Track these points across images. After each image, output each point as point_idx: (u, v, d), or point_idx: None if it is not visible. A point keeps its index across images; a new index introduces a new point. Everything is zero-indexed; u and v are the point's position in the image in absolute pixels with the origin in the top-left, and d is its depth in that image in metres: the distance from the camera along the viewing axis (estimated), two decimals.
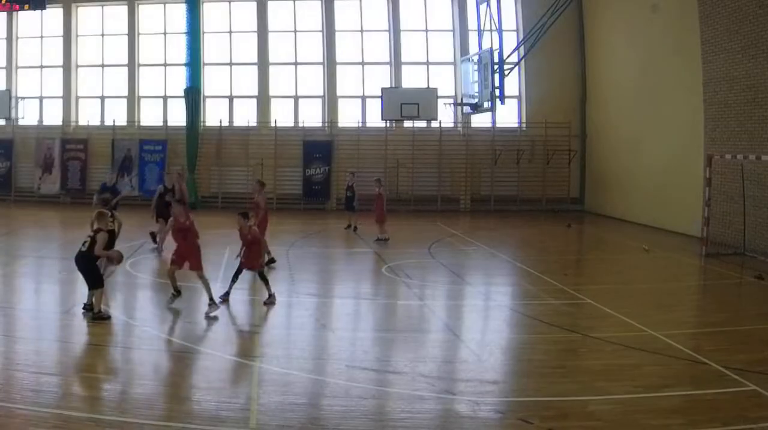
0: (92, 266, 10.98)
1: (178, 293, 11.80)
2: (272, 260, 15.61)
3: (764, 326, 11.40)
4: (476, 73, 26.60)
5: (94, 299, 10.95)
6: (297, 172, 28.98)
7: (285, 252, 18.05)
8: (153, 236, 17.52)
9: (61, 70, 30.13)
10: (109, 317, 10.78)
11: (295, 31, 29.90)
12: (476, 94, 26.64)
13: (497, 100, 25.10)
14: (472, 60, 27.11)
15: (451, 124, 29.15)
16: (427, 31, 29.78)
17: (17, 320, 11.14)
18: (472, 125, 29.36)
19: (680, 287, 15.16)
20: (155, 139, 29.33)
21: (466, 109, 27.92)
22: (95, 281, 10.94)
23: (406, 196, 28.69)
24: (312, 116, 29.81)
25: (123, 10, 29.98)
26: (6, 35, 30.33)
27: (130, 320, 11.34)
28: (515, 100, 29.18)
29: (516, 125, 29.68)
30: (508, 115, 29.26)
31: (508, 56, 25.34)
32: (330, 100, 29.61)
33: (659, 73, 23.16)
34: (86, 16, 30.47)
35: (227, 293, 12.19)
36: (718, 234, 18.31)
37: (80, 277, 13.40)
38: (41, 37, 30.35)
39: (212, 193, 29.24)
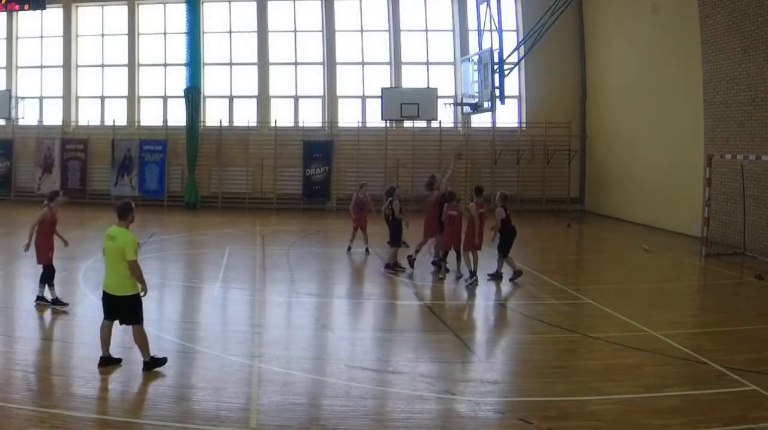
0: None
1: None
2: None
3: (764, 326, 11.41)
4: (476, 73, 26.60)
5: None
6: (297, 172, 28.97)
7: (285, 252, 18.08)
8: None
9: (61, 70, 30.14)
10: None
11: (295, 31, 29.90)
12: (476, 94, 26.64)
13: (497, 100, 25.09)
14: (472, 60, 27.10)
15: (451, 124, 29.14)
16: (427, 31, 29.77)
17: (17, 320, 11.14)
18: (472, 125, 29.35)
19: (680, 287, 15.17)
20: (155, 139, 29.33)
21: (466, 109, 27.91)
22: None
23: (406, 196, 28.64)
24: (312, 116, 29.82)
25: (123, 10, 29.99)
26: (6, 35, 30.34)
27: None
28: (515, 100, 29.18)
29: (516, 125, 29.67)
30: (508, 115, 29.27)
31: (508, 56, 25.33)
32: (330, 100, 29.60)
33: (659, 73, 23.16)
34: (86, 16, 30.47)
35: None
36: (718, 234, 18.31)
37: (80, 277, 13.43)
38: (41, 37, 30.36)
39: (212, 193, 29.25)
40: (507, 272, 14.77)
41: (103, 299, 8.83)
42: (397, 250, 15.72)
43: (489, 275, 14.57)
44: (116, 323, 8.82)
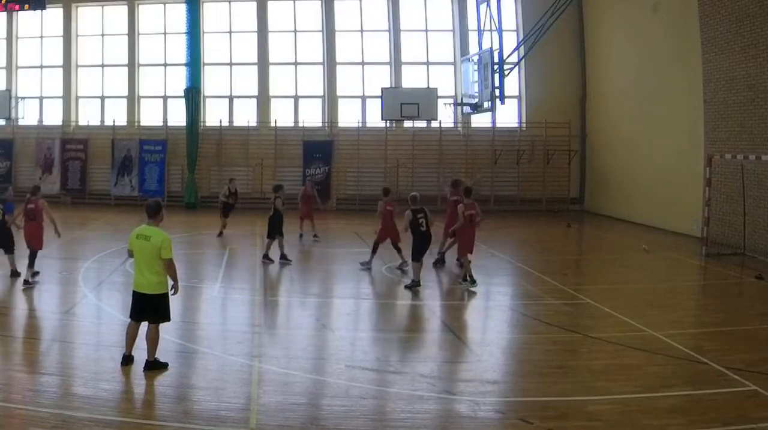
0: None
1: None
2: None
3: (764, 326, 11.40)
4: (476, 73, 26.60)
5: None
6: (297, 172, 28.96)
7: (285, 252, 18.05)
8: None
9: (61, 70, 30.14)
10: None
11: (295, 31, 29.91)
12: (476, 94, 26.63)
13: (497, 100, 25.10)
14: (472, 60, 27.10)
15: (451, 124, 29.14)
16: (427, 31, 29.77)
17: (17, 320, 11.15)
18: (472, 125, 29.35)
19: (680, 287, 15.15)
20: (155, 139, 29.33)
21: (466, 109, 27.91)
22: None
23: (407, 196, 28.63)
24: (312, 116, 29.82)
25: (123, 10, 30.00)
26: (6, 35, 30.34)
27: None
28: (515, 100, 29.17)
29: (516, 125, 29.67)
30: (508, 115, 29.26)
31: (508, 56, 25.34)
32: (330, 100, 29.61)
33: (659, 73, 23.16)
34: (86, 16, 30.48)
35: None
36: (718, 234, 18.31)
37: (80, 277, 13.44)
38: (41, 37, 30.36)
39: (212, 193, 29.20)
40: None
41: (133, 299, 8.81)
42: (281, 239, 16.71)
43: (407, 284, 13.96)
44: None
